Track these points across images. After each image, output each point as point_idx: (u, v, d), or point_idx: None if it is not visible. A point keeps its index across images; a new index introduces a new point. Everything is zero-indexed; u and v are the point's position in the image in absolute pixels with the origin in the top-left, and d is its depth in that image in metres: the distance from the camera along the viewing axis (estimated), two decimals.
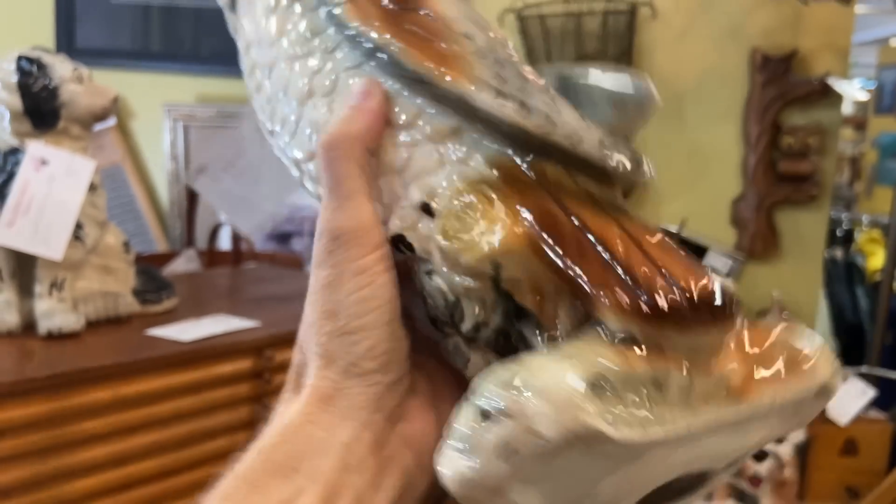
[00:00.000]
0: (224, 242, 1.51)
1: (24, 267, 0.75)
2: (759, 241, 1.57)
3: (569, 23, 1.53)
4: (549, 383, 0.22)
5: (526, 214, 0.27)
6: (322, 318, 0.27)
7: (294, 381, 0.28)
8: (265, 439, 0.26)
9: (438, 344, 0.30)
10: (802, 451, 1.23)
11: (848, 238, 1.97)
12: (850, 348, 1.69)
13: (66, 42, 1.58)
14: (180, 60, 1.56)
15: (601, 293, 0.24)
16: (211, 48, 1.51)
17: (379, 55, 0.29)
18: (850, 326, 1.76)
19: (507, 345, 0.29)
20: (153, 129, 1.58)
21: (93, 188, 0.77)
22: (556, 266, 0.26)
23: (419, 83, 0.28)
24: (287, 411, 0.27)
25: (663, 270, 0.25)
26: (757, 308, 1.53)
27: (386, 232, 0.28)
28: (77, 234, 0.74)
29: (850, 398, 1.28)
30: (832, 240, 1.88)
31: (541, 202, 0.27)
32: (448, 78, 0.27)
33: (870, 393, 1.29)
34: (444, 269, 0.28)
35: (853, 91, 1.55)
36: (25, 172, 0.71)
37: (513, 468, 0.22)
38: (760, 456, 1.22)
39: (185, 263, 1.48)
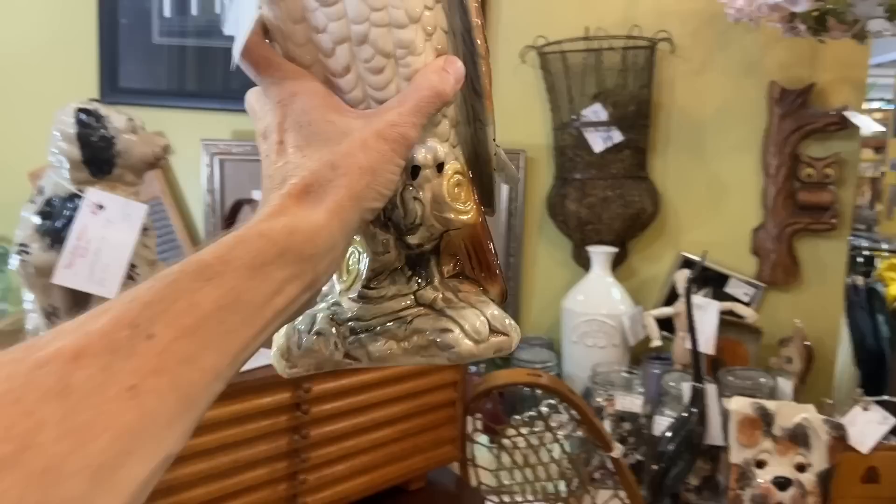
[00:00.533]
0: None
1: (79, 304, 0.81)
2: (779, 269, 1.59)
3: (589, 58, 1.57)
4: (513, 323, 0.44)
5: (478, 208, 0.46)
6: (366, 172, 0.38)
7: (303, 186, 0.38)
8: (300, 234, 0.36)
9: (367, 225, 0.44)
10: (825, 480, 1.25)
11: (868, 265, 1.98)
12: (872, 376, 1.70)
13: (110, 82, 1.65)
14: (215, 99, 1.63)
15: (499, 278, 0.47)
16: (243, 87, 1.57)
17: (466, 40, 0.43)
18: (871, 354, 1.77)
19: (417, 258, 0.46)
20: (191, 164, 1.65)
21: (145, 230, 0.82)
22: (482, 248, 0.46)
23: (470, 86, 0.44)
24: (311, 215, 0.37)
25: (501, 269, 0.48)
26: (778, 336, 1.55)
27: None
28: (130, 273, 0.79)
29: (872, 426, 1.30)
30: (853, 267, 1.89)
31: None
32: (489, 105, 0.44)
33: (891, 421, 1.30)
34: (428, 206, 0.43)
35: (870, 123, 1.58)
36: (83, 217, 0.77)
37: (495, 355, 0.44)
38: (784, 484, 1.24)
39: None
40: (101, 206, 0.78)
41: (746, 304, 1.61)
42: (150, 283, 0.32)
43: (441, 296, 0.47)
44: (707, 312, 1.46)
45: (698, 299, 1.46)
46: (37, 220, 0.78)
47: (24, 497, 0.25)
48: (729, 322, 1.52)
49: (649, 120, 1.59)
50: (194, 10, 1.64)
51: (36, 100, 1.71)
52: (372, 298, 0.47)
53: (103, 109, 0.80)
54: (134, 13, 1.65)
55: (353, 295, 0.47)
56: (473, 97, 0.45)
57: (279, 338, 0.47)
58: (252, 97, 0.44)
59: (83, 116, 0.78)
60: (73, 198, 0.78)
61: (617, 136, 1.54)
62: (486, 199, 0.48)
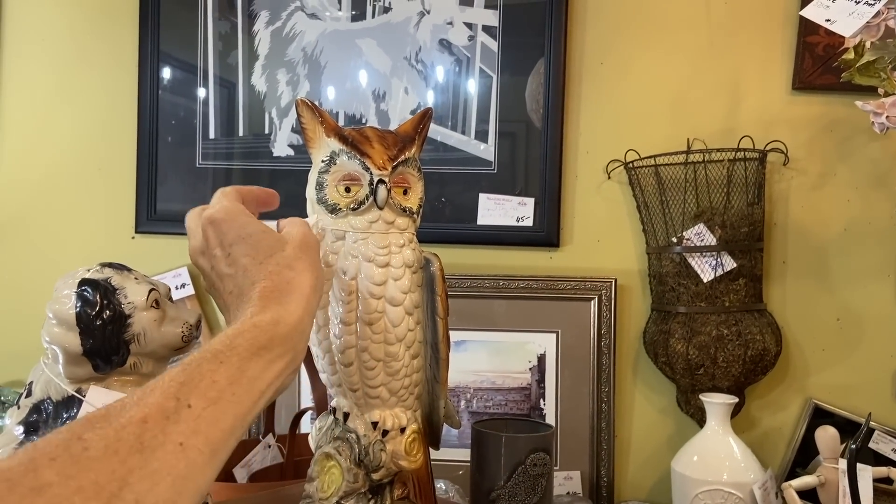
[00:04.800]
0: (307, 426, 1.34)
1: None
2: None
3: (688, 172, 1.36)
4: None
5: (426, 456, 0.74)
6: (316, 267, 0.56)
7: (273, 287, 0.52)
8: (283, 325, 0.50)
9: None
10: None
11: None
12: None
13: (147, 208, 1.50)
14: None
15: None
16: (289, 212, 1.40)
17: (434, 348, 0.75)
18: None
19: (378, 486, 0.71)
20: None
21: None
22: (425, 482, 0.73)
23: (433, 376, 0.74)
24: (289, 309, 0.51)
25: None
26: None
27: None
28: None
29: None
30: None
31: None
32: (444, 387, 0.74)
33: None
34: (390, 455, 0.70)
35: None
36: None
37: None
38: None
39: (262, 453, 1.30)
40: None
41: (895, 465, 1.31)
42: (180, 367, 0.44)
43: None
44: (859, 480, 1.17)
45: (843, 464, 1.18)
46: (19, 432, 0.57)
47: None
48: (881, 490, 1.22)
49: (763, 243, 1.35)
50: (241, 131, 1.49)
51: (67, 228, 1.55)
52: None
53: (117, 278, 0.60)
54: (180, 133, 1.51)
55: None
56: (434, 382, 0.73)
57: None
58: (190, 217, 0.58)
59: (87, 292, 0.57)
60: (69, 403, 0.57)
61: (729, 263, 1.31)
62: (434, 441, 0.75)
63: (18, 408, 0.58)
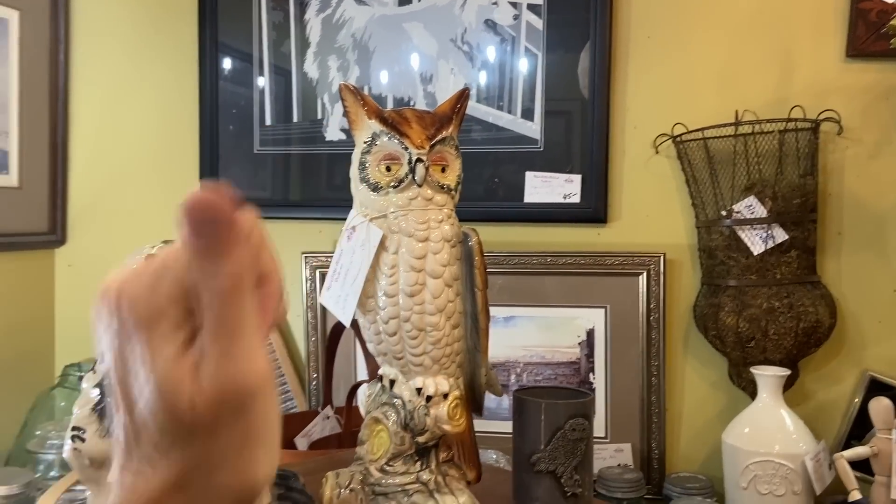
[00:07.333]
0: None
1: None
2: None
3: (738, 145, 1.35)
4: None
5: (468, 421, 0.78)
6: None
7: None
8: None
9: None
10: None
11: None
12: None
13: None
14: (318, 208, 1.51)
15: (478, 466, 0.79)
16: (345, 195, 1.45)
17: (473, 319, 0.78)
18: None
19: (424, 449, 0.75)
20: (291, 277, 1.52)
21: None
22: (468, 445, 0.78)
23: (473, 347, 0.78)
24: None
25: None
26: None
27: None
28: None
29: None
30: None
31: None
32: (485, 357, 0.78)
33: None
34: (433, 420, 0.74)
35: None
36: None
37: None
38: None
39: (321, 424, 1.37)
40: None
41: None
42: None
43: (434, 479, 0.75)
44: None
45: None
46: (95, 394, 0.63)
47: None
48: None
49: (817, 214, 1.33)
50: (295, 118, 1.55)
51: (137, 215, 1.65)
52: (389, 472, 0.75)
53: None
54: (238, 121, 1.58)
55: (378, 466, 0.75)
56: (475, 351, 0.76)
57: (327, 489, 0.77)
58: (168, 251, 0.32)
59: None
60: None
61: (780, 235, 1.29)
62: (476, 407, 0.79)
63: (94, 373, 0.64)
